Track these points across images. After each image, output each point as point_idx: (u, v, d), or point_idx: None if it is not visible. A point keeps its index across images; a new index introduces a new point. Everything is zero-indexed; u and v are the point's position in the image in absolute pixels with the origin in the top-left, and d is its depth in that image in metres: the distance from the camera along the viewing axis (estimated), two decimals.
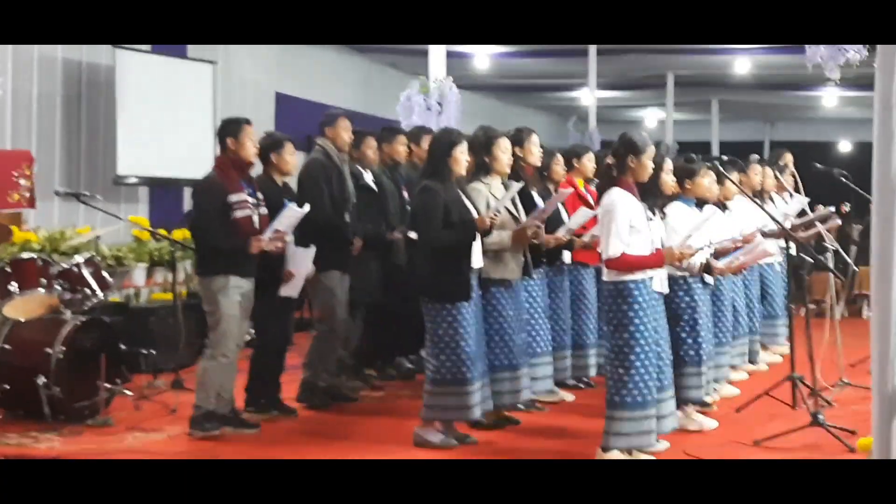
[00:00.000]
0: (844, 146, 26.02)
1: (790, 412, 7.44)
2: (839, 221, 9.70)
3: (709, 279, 7.13)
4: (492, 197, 6.84)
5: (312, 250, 7.30)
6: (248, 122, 7.10)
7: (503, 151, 6.92)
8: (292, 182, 7.69)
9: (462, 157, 6.61)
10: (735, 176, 8.33)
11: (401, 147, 8.71)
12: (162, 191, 12.18)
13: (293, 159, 7.44)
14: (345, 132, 7.88)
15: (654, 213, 6.31)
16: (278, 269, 7.19)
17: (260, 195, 7.06)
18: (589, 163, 8.35)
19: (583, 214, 7.57)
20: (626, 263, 5.90)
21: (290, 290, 7.34)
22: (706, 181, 7.27)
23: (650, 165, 6.11)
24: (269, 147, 7.34)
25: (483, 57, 16.74)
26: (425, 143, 8.60)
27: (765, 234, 7.86)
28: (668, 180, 6.68)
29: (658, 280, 6.13)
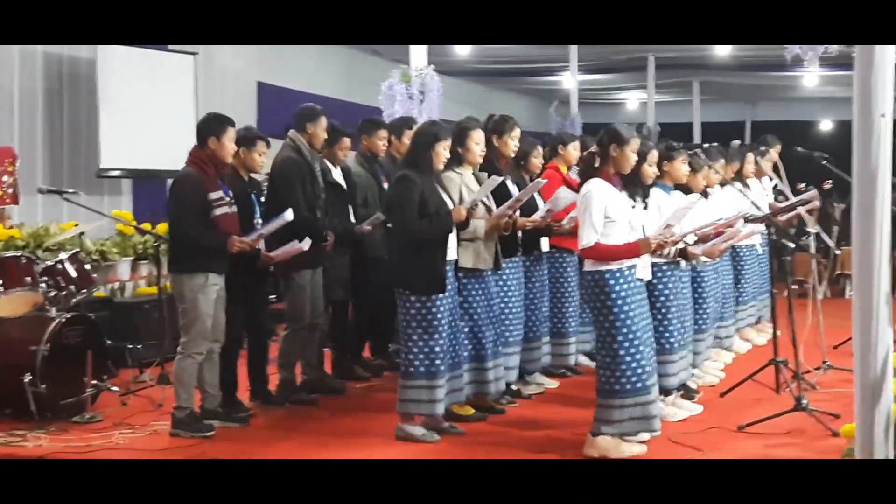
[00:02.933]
0: (825, 125, 26.08)
1: (774, 396, 7.50)
2: (819, 203, 9.76)
3: (684, 265, 7.16)
4: (465, 186, 6.86)
5: (304, 245, 7.25)
6: (232, 123, 7.03)
7: (476, 143, 6.94)
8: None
9: (444, 153, 6.63)
10: (719, 163, 8.41)
11: (380, 141, 8.68)
12: (145, 182, 12.15)
13: (262, 159, 7.44)
14: (323, 132, 7.82)
15: (635, 202, 6.34)
16: (251, 265, 7.19)
17: (230, 192, 7.02)
18: (574, 151, 8.34)
19: (564, 195, 7.54)
20: (600, 252, 5.94)
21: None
22: (685, 167, 7.31)
23: (633, 158, 6.13)
24: (241, 142, 7.26)
25: None
26: (406, 137, 8.61)
27: (747, 220, 7.89)
28: (650, 171, 6.70)
29: (641, 267, 6.17)
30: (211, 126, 6.95)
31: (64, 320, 7.35)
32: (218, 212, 6.81)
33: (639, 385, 5.99)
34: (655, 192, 6.93)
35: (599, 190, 5.99)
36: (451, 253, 6.65)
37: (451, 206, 6.61)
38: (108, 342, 7.79)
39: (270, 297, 8.18)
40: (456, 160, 6.91)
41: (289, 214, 6.99)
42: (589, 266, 6.03)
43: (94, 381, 7.32)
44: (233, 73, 14.02)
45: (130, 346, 8.69)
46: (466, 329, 6.89)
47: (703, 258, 7.40)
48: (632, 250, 6.02)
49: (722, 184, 8.48)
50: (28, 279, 7.49)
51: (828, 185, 9.89)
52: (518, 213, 7.22)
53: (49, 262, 7.73)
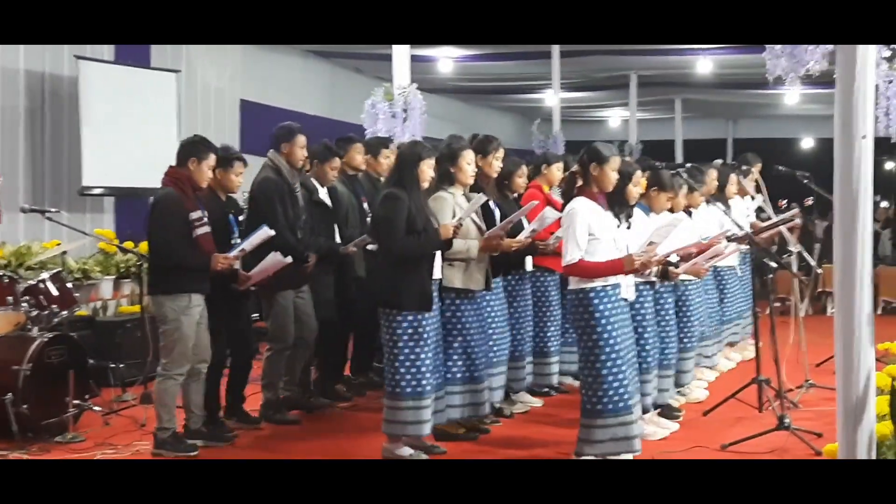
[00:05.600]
0: (807, 142, 26.28)
1: (757, 415, 7.50)
2: (800, 221, 9.80)
3: (659, 285, 7.17)
4: (457, 206, 6.86)
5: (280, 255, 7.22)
6: (216, 151, 7.03)
7: (468, 163, 6.95)
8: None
9: (428, 172, 6.64)
10: (702, 184, 8.44)
11: (357, 155, 8.63)
12: (128, 201, 12.12)
13: (239, 180, 7.39)
14: (300, 150, 7.74)
15: (621, 222, 6.36)
16: (233, 285, 7.16)
17: (206, 211, 6.97)
18: (557, 171, 8.39)
19: (549, 214, 7.56)
20: (583, 270, 5.95)
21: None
22: (667, 200, 7.38)
23: (614, 176, 6.14)
24: (218, 163, 7.17)
25: (447, 60, 16.77)
26: (383, 156, 8.62)
27: (730, 239, 7.92)
28: (635, 191, 6.71)
29: (625, 287, 6.18)
30: (193, 148, 6.93)
31: (46, 340, 7.32)
32: (199, 231, 6.79)
33: (620, 405, 5.99)
34: (635, 212, 6.94)
35: (583, 208, 6.01)
36: (436, 272, 6.65)
37: (437, 225, 6.61)
38: (91, 361, 7.77)
39: (253, 315, 8.14)
40: (448, 180, 6.92)
41: (269, 228, 6.99)
42: (573, 284, 6.04)
43: (76, 401, 7.30)
44: (215, 91, 14.02)
45: (113, 365, 8.67)
46: (460, 350, 6.90)
47: (687, 277, 7.44)
48: (615, 267, 6.03)
49: (707, 202, 8.52)
50: (10, 298, 7.49)
51: (809, 201, 9.94)
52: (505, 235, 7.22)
53: (31, 282, 7.73)
